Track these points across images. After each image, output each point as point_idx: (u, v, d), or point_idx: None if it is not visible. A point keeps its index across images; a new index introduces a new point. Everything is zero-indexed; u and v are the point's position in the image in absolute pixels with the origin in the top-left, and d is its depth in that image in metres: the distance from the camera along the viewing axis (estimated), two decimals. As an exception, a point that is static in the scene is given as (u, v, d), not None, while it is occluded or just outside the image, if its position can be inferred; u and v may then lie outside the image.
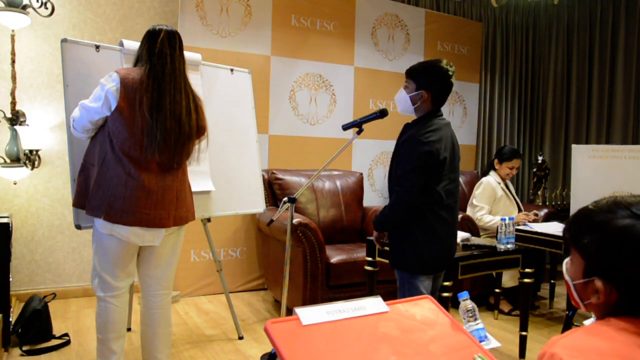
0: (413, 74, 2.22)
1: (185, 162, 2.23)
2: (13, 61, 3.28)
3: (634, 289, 0.93)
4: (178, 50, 2.14)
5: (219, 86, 3.01)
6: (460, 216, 3.28)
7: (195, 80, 2.79)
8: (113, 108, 2.02)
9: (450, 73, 2.18)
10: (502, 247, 2.77)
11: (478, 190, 3.84)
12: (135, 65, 2.16)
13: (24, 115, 3.37)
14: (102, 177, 2.05)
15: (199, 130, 2.22)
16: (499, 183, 3.80)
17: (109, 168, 2.05)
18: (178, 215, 2.18)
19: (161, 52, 2.07)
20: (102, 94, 2.02)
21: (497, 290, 3.53)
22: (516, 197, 3.93)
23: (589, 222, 0.99)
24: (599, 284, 0.96)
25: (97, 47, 2.47)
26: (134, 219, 2.05)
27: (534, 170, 4.84)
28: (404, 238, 2.20)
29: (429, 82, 2.17)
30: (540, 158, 4.82)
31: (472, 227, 3.63)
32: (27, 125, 3.37)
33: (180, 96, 2.10)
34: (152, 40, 2.09)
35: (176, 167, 2.17)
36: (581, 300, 1.02)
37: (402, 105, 2.28)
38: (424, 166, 2.09)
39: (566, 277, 1.05)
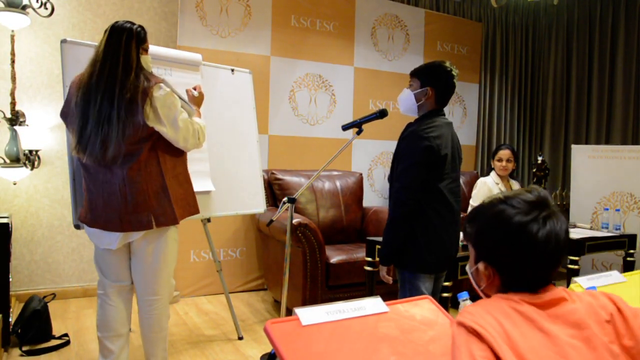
0: (417, 73, 2.25)
1: (126, 160, 2.02)
2: (13, 61, 3.28)
3: (509, 269, 1.04)
4: (108, 39, 2.03)
5: (219, 86, 3.01)
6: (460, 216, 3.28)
7: (196, 80, 2.79)
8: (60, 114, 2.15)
9: (454, 73, 2.21)
10: (502, 247, 2.77)
11: (474, 191, 3.87)
12: None
13: (23, 115, 3.37)
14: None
15: (133, 127, 2.00)
16: (497, 184, 3.80)
17: (80, 170, 2.18)
18: (136, 220, 2.05)
19: (96, 47, 2.08)
20: None
21: (497, 290, 3.52)
22: None
23: (475, 214, 1.11)
24: (481, 267, 1.08)
25: (97, 47, 2.47)
26: (91, 220, 2.11)
27: (534, 170, 4.83)
28: (405, 236, 2.19)
29: (433, 79, 2.20)
30: (540, 158, 4.81)
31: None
32: (27, 125, 3.38)
33: (99, 93, 1.99)
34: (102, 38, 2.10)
35: (115, 165, 2.02)
36: (478, 286, 1.12)
37: (405, 105, 2.28)
38: (425, 162, 2.09)
39: (467, 268, 1.15)
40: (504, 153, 3.78)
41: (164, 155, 2.12)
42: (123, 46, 2.02)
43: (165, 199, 2.11)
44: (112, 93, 1.98)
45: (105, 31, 2.07)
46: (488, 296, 1.10)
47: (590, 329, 0.98)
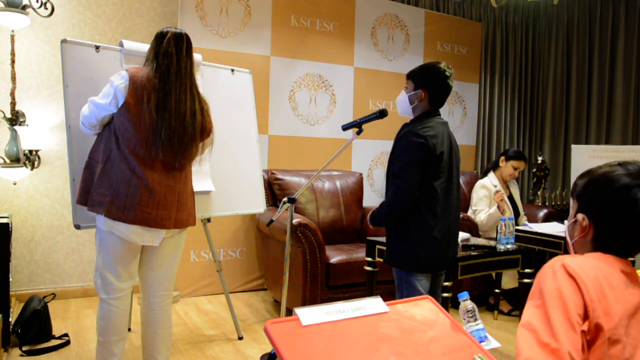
0: (412, 75, 2.28)
1: (188, 164, 2.21)
2: (13, 61, 3.28)
3: (605, 227, 1.09)
4: (185, 51, 2.13)
5: (219, 86, 3.01)
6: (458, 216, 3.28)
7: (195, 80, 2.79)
8: (120, 105, 2.03)
9: (448, 74, 2.22)
10: (502, 247, 2.77)
11: (474, 195, 3.86)
12: (144, 65, 2.18)
13: (23, 115, 3.37)
14: (106, 174, 2.05)
15: (203, 131, 2.20)
16: (495, 185, 3.80)
17: (113, 165, 2.05)
18: (179, 218, 2.18)
19: (167, 52, 2.08)
20: (111, 91, 2.05)
21: (496, 290, 3.53)
22: (517, 201, 3.91)
23: (588, 170, 1.17)
24: (580, 217, 1.13)
25: (97, 47, 2.47)
26: (135, 217, 2.04)
27: (534, 170, 4.84)
28: (400, 235, 2.20)
29: (426, 82, 2.22)
30: (539, 158, 4.82)
31: (472, 227, 3.63)
32: (27, 125, 3.38)
33: (185, 97, 2.10)
34: (159, 41, 2.11)
35: (179, 168, 2.16)
36: (570, 239, 1.18)
37: (401, 107, 2.32)
38: (422, 159, 2.11)
39: (564, 224, 1.21)
40: (522, 164, 3.80)
41: None
42: (186, 54, 2.20)
43: (192, 201, 2.30)
44: (192, 99, 2.20)
45: (164, 34, 2.14)
46: (575, 252, 1.14)
47: None
